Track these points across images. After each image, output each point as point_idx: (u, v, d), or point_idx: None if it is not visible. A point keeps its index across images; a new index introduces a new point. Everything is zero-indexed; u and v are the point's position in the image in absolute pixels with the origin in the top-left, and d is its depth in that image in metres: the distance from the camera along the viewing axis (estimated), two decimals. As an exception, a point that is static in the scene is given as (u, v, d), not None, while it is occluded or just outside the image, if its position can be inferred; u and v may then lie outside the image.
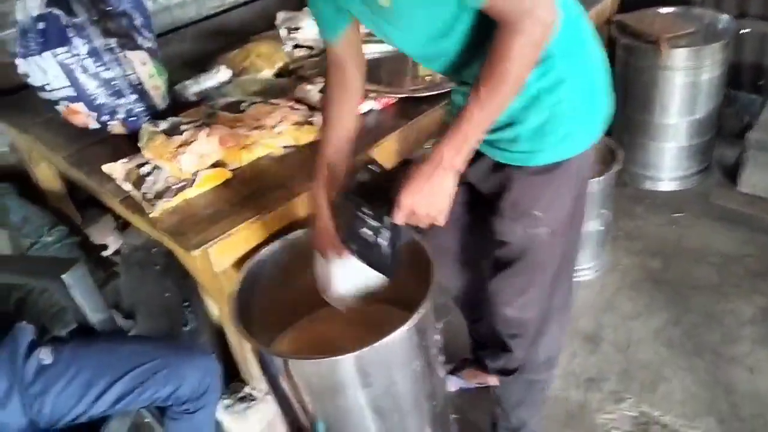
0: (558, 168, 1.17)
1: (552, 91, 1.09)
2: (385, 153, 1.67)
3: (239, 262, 1.44)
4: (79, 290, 1.30)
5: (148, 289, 2.28)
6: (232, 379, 1.75)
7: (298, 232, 1.45)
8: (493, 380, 1.83)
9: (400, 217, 1.05)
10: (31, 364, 1.23)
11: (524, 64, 0.95)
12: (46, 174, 2.05)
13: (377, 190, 1.09)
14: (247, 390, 1.68)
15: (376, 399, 1.25)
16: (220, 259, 1.40)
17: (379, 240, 1.11)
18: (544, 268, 1.31)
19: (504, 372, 1.51)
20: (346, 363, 1.17)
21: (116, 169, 1.53)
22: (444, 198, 1.03)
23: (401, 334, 1.16)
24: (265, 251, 1.42)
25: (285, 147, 1.61)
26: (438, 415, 1.43)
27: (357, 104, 1.29)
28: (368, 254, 1.16)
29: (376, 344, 1.14)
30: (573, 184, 1.21)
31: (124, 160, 1.55)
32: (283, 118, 1.64)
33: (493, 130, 1.12)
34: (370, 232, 1.12)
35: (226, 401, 1.67)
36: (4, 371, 1.22)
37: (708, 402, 1.78)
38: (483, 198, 1.31)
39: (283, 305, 1.50)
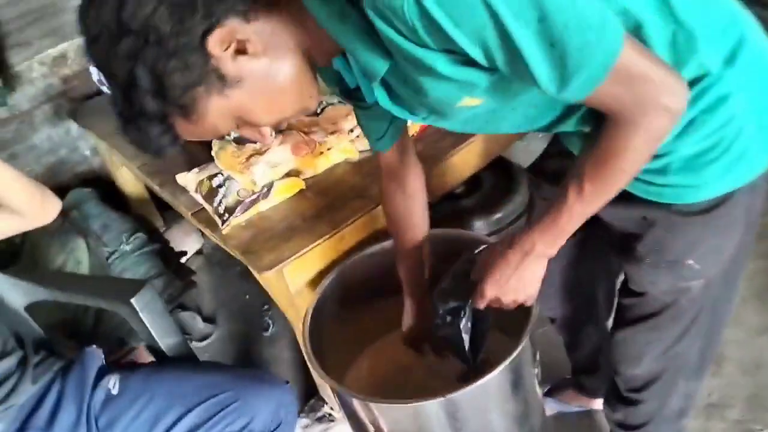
0: (722, 205, 0.90)
1: (714, 112, 0.83)
2: (471, 156, 1.51)
3: (316, 278, 1.33)
4: (149, 314, 1.23)
5: (229, 291, 2.24)
6: (312, 396, 1.66)
7: (377, 246, 1.32)
8: (596, 404, 1.66)
9: (481, 304, 1.00)
10: (99, 394, 1.18)
11: (642, 160, 0.79)
12: (128, 178, 2.03)
13: (462, 277, 1.05)
14: (326, 410, 1.59)
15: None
16: (295, 279, 1.30)
17: (460, 325, 1.06)
18: (689, 326, 1.06)
19: (624, 427, 1.28)
20: (434, 407, 1.05)
21: (189, 180, 1.45)
22: (534, 285, 0.96)
23: (495, 375, 1.02)
24: (341, 268, 1.30)
25: (362, 152, 1.48)
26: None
27: (424, 206, 1.19)
28: (449, 340, 1.10)
29: (467, 388, 1.01)
30: (741, 222, 0.95)
31: (196, 170, 1.47)
32: (362, 119, 1.50)
33: None
34: (449, 318, 1.07)
35: (304, 420, 1.59)
36: (71, 400, 1.17)
37: None
38: (607, 230, 1.06)
39: (361, 324, 1.39)
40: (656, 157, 0.85)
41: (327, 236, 1.29)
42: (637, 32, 0.76)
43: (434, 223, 1.25)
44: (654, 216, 0.95)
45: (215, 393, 1.18)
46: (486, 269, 0.97)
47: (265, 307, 2.08)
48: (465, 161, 1.52)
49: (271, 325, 2.05)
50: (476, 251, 1.08)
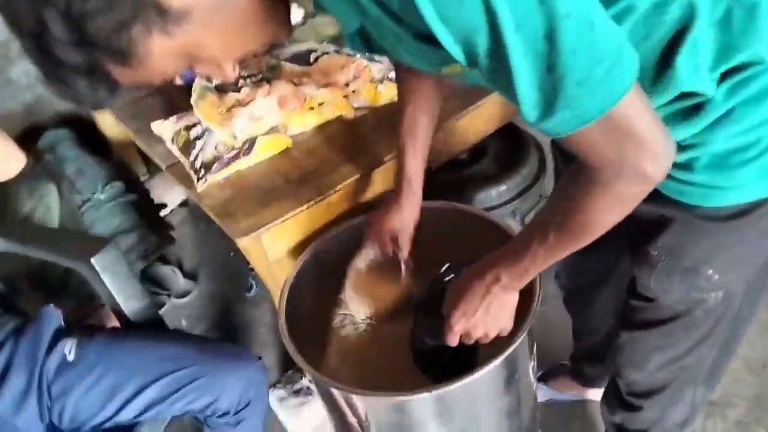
0: (754, 212, 0.78)
1: (758, 104, 0.70)
2: (479, 121, 1.37)
3: (298, 247, 1.21)
4: (111, 275, 1.12)
5: (213, 248, 2.13)
6: (290, 366, 1.57)
7: (364, 217, 1.20)
8: (591, 394, 1.57)
9: (452, 340, 0.93)
10: (53, 358, 1.08)
11: (612, 221, 0.70)
12: (109, 120, 1.89)
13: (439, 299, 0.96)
14: (304, 382, 1.50)
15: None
16: (274, 246, 1.18)
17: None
18: (704, 338, 0.94)
19: (622, 430, 1.18)
20: (423, 401, 0.95)
21: (165, 129, 1.32)
22: (505, 318, 0.91)
23: (488, 371, 0.91)
24: (325, 238, 1.18)
25: (358, 108, 1.34)
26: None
27: (439, 95, 1.05)
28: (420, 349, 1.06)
29: (459, 383, 0.90)
30: None
31: (174, 118, 1.34)
32: (359, 72, 1.36)
33: None
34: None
35: (281, 392, 1.50)
36: (23, 365, 1.07)
37: None
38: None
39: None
40: (681, 148, 0.73)
41: (311, 202, 1.16)
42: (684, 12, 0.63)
43: (433, 192, 1.13)
44: (672, 215, 0.82)
45: (180, 366, 1.08)
46: (453, 303, 0.90)
47: (250, 266, 1.97)
48: (472, 126, 1.39)
49: (254, 286, 1.95)
50: (445, 277, 1.02)
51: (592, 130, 0.59)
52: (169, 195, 2.02)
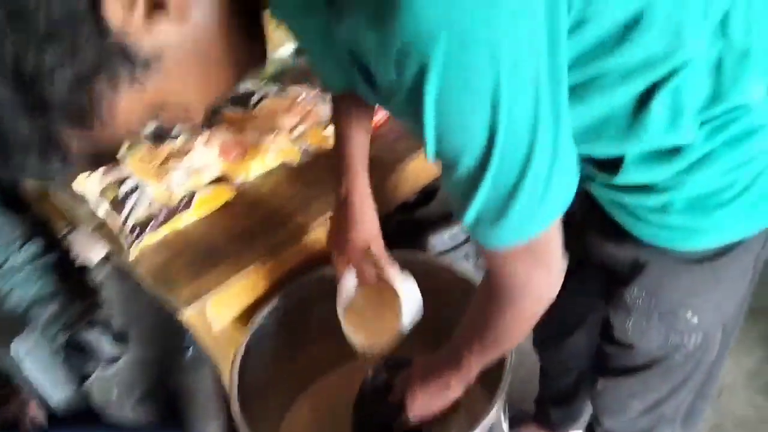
0: (731, 253, 0.76)
1: (738, 145, 0.67)
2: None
3: (245, 314, 1.10)
4: (32, 362, 0.97)
5: (143, 305, 1.96)
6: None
7: (320, 272, 1.11)
8: (558, 440, 1.51)
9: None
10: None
11: (524, 333, 0.75)
12: (22, 171, 1.72)
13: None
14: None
15: None
16: (219, 315, 1.06)
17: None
18: (681, 382, 0.91)
19: None
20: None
21: (91, 185, 1.19)
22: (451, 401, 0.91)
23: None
24: (276, 301, 1.08)
25: (305, 151, 1.25)
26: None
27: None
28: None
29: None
30: (749, 271, 0.81)
31: (101, 171, 1.21)
32: (305, 116, 1.28)
33: (626, 189, 0.73)
34: None
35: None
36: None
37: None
38: (593, 263, 0.92)
39: (299, 362, 1.18)
40: (656, 191, 0.70)
41: (259, 263, 1.06)
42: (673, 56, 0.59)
43: (384, 237, 1.05)
44: (647, 258, 0.80)
45: None
46: (410, 397, 0.91)
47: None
48: (423, 168, 1.32)
49: (191, 347, 1.79)
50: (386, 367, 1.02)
51: (514, 249, 0.60)
52: (94, 249, 1.85)
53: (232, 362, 1.00)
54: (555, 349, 1.28)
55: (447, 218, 1.48)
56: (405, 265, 1.10)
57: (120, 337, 1.82)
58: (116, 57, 0.44)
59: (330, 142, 1.25)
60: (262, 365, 1.06)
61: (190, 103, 0.54)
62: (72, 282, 1.44)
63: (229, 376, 0.99)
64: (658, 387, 0.93)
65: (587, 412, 1.45)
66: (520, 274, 0.64)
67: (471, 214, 0.58)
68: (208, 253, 1.08)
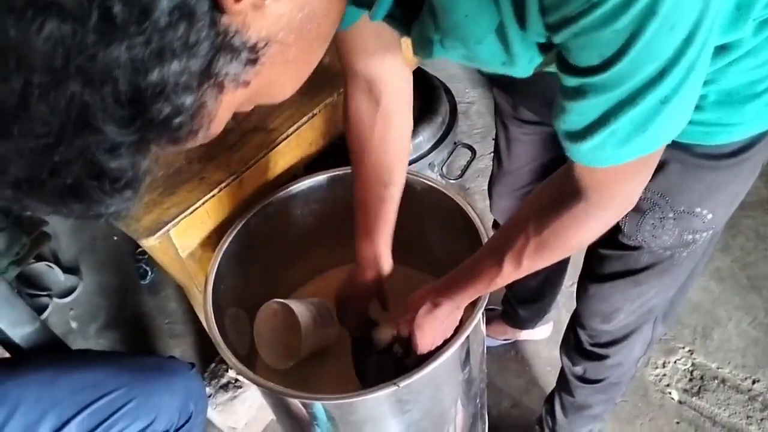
0: (751, 148, 0.75)
1: None
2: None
3: (212, 235, 1.06)
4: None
5: (91, 234, 1.88)
6: (211, 359, 1.43)
7: (285, 191, 1.07)
8: (522, 335, 1.57)
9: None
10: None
11: (589, 239, 0.71)
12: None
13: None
14: (230, 375, 1.36)
15: (413, 424, 0.95)
16: (185, 241, 1.01)
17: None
18: (673, 279, 0.93)
19: (584, 380, 1.16)
20: (381, 399, 0.86)
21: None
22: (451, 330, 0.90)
23: (446, 359, 0.85)
24: (242, 222, 1.04)
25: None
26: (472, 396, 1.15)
27: (403, 133, 0.92)
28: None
29: (418, 375, 0.83)
30: (760, 164, 0.80)
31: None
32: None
33: None
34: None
35: (207, 389, 1.36)
36: None
37: (770, 348, 1.55)
38: None
39: (272, 282, 1.16)
40: None
41: (223, 185, 1.01)
42: None
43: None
44: (666, 158, 0.77)
45: (101, 394, 0.92)
46: (417, 332, 0.88)
47: (139, 249, 1.76)
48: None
49: (150, 272, 1.74)
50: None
51: (625, 165, 0.56)
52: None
53: (205, 283, 0.96)
54: None
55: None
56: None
57: (71, 269, 1.76)
58: (226, 51, 0.38)
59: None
60: (234, 284, 1.03)
61: (284, 94, 0.48)
62: (15, 216, 1.35)
63: (203, 297, 0.96)
64: (652, 286, 0.93)
65: (554, 308, 1.50)
66: (621, 186, 0.61)
67: (603, 134, 0.53)
68: (167, 178, 1.02)
